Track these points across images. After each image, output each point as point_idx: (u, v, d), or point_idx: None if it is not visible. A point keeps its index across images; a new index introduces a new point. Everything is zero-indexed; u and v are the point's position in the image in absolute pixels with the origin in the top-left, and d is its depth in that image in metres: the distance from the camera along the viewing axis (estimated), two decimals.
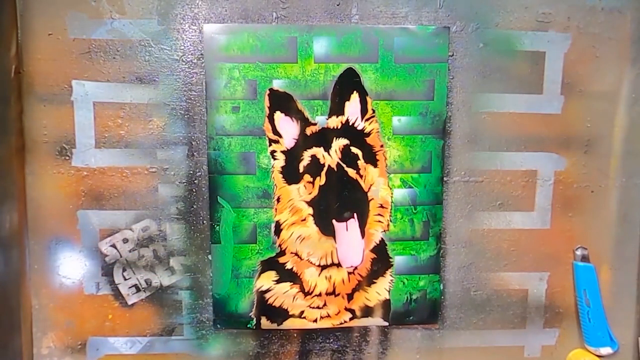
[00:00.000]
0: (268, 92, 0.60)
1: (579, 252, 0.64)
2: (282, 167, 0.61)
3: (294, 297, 0.63)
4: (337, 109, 0.60)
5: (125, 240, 0.61)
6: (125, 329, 0.62)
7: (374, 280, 0.63)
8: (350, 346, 0.64)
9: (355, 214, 0.61)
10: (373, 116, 0.61)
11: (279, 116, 0.60)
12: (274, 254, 0.62)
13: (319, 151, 0.61)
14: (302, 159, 0.61)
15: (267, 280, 0.62)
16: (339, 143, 0.61)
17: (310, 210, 0.61)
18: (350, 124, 0.61)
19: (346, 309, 0.63)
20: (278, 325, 0.63)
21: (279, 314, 0.63)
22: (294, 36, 0.59)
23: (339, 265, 0.62)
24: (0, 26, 0.56)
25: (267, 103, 0.60)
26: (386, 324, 0.64)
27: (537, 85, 0.62)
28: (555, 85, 0.62)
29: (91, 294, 0.61)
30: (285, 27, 0.59)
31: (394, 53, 0.60)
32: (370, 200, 0.62)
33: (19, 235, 0.59)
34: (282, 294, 0.63)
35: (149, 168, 0.60)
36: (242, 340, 0.60)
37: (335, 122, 0.61)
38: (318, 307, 0.63)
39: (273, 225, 0.62)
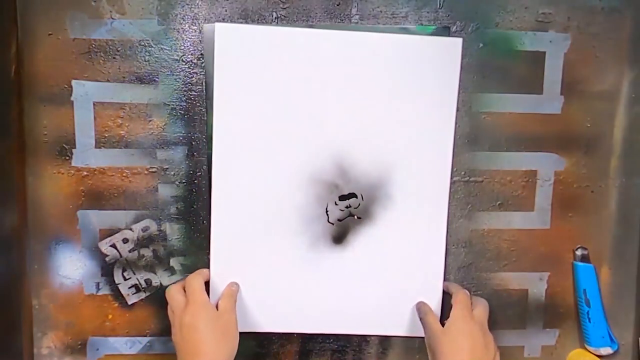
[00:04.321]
0: None
1: (579, 252, 0.64)
2: None
3: None
4: None
5: (125, 240, 0.61)
6: (125, 329, 0.62)
7: None
8: (350, 346, 0.64)
9: None
10: None
11: None
12: None
13: None
14: None
15: None
16: None
17: None
18: None
19: None
20: None
21: None
22: None
23: None
24: (0, 26, 0.56)
25: None
26: None
27: (537, 85, 0.62)
28: (555, 85, 0.62)
29: (91, 294, 0.61)
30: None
31: None
32: None
33: (19, 235, 0.59)
34: None
35: (149, 168, 0.60)
36: (242, 340, 0.59)
37: None
38: None
39: None
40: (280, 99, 0.58)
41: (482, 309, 0.56)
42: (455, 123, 0.61)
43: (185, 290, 0.55)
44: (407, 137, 0.59)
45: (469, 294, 0.58)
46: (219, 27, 0.57)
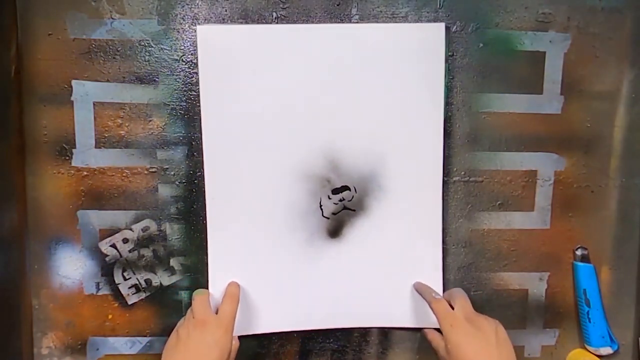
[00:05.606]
0: None
1: (579, 252, 0.64)
2: None
3: None
4: None
5: (125, 240, 0.61)
6: (125, 329, 0.62)
7: None
8: (350, 346, 0.64)
9: None
10: None
11: None
12: None
13: None
14: None
15: None
16: None
17: None
18: None
19: None
20: None
21: None
22: None
23: None
24: (0, 26, 0.56)
25: None
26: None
27: (537, 85, 0.62)
28: (555, 85, 0.62)
29: (91, 294, 0.61)
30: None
31: None
32: None
33: (19, 235, 0.59)
34: None
35: (149, 168, 0.60)
36: (242, 340, 0.59)
37: None
38: None
39: None
40: (267, 96, 0.58)
41: (461, 301, 0.56)
42: (455, 123, 0.61)
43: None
44: (396, 127, 0.59)
45: (440, 297, 0.58)
46: (201, 29, 0.57)
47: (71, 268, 0.61)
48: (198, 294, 0.57)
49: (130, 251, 0.61)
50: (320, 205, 0.60)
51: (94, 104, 0.59)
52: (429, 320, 0.61)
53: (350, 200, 0.60)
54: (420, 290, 0.60)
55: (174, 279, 0.62)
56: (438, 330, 0.56)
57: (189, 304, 0.61)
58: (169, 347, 0.53)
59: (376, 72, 0.58)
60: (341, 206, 0.60)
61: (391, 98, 0.59)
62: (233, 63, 0.58)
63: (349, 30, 0.58)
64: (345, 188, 0.60)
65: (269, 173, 0.59)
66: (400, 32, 0.58)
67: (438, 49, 0.58)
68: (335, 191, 0.60)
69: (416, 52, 0.58)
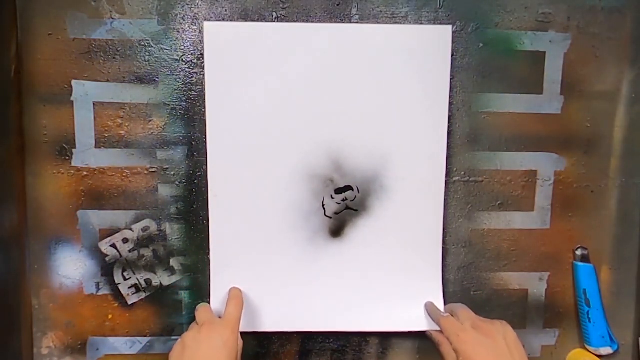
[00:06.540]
0: None
1: (579, 252, 0.64)
2: None
3: None
4: None
5: (125, 240, 0.61)
6: (125, 329, 0.62)
7: None
8: (350, 346, 0.64)
9: None
10: None
11: None
12: None
13: None
14: None
15: None
16: None
17: None
18: None
19: None
20: None
21: None
22: None
23: None
24: (0, 26, 0.56)
25: None
26: None
27: (537, 85, 0.62)
28: (555, 85, 0.62)
29: (91, 294, 0.61)
30: None
31: None
32: None
33: (19, 235, 0.59)
34: None
35: (149, 168, 0.60)
36: (242, 340, 0.59)
37: None
38: None
39: None
40: (272, 95, 0.58)
41: (464, 312, 0.57)
42: (455, 123, 0.61)
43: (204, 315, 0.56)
44: (401, 128, 0.59)
45: (448, 315, 0.58)
46: (208, 25, 0.57)
47: (71, 268, 0.61)
48: (201, 305, 0.59)
49: (130, 251, 0.61)
50: (323, 205, 0.60)
51: (94, 104, 0.59)
52: (429, 322, 0.61)
53: (353, 200, 0.60)
54: (429, 310, 0.60)
55: (174, 279, 0.62)
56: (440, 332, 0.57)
57: (189, 304, 0.62)
58: (175, 357, 0.52)
59: (382, 73, 0.58)
60: (344, 206, 0.60)
61: (396, 99, 0.59)
62: (239, 60, 0.57)
63: (357, 30, 0.58)
64: (348, 188, 0.60)
65: (272, 171, 0.59)
66: (406, 33, 0.58)
67: (444, 51, 0.59)
68: (338, 191, 0.60)
69: (422, 53, 0.58)
